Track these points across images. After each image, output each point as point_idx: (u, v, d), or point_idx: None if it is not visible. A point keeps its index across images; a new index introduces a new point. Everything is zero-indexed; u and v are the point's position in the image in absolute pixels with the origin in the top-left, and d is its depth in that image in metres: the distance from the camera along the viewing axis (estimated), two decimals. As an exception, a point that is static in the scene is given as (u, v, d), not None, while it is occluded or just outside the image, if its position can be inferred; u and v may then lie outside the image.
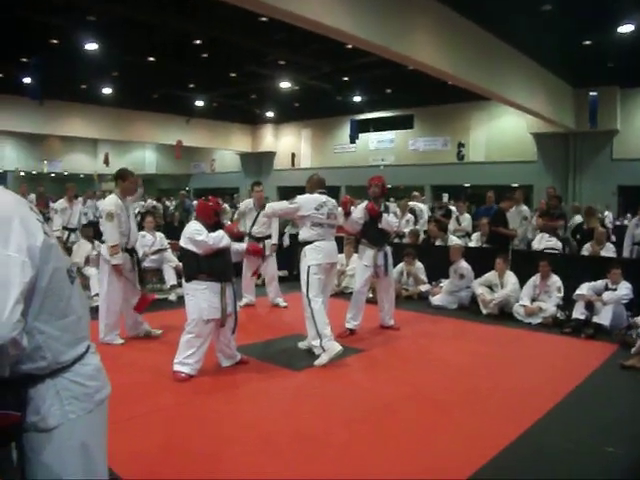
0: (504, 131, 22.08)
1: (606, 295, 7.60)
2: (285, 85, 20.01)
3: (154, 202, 22.18)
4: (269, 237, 9.05)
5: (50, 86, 16.56)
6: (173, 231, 11.25)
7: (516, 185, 19.79)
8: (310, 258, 6.41)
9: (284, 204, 6.86)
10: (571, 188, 20.31)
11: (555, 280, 8.40)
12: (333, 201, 6.74)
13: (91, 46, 14.98)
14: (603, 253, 9.48)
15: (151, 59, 17.24)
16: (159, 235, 9.81)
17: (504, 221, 10.25)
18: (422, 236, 12.16)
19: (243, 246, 6.12)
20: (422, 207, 13.96)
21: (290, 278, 9.93)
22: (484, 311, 8.76)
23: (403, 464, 3.87)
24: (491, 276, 8.96)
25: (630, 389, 5.68)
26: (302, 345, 6.66)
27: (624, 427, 4.67)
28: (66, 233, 10.86)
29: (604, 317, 7.47)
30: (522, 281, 8.71)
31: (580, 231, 11.33)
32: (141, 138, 27.75)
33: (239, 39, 14.47)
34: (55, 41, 15.25)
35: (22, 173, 29.67)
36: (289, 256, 9.42)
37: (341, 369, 6.02)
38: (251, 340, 6.87)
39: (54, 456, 1.97)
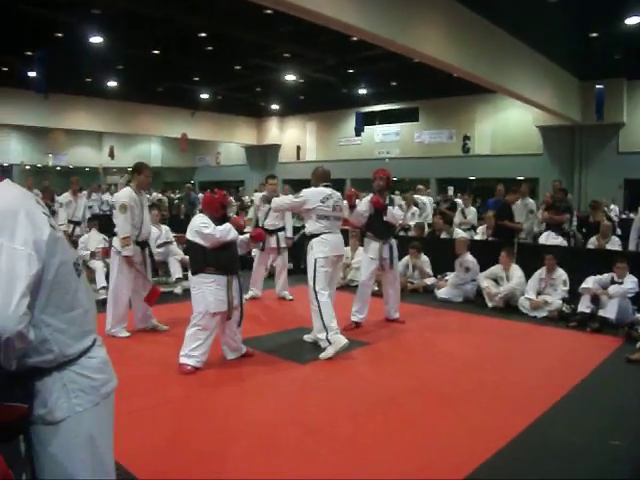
0: (510, 124, 22.02)
1: (612, 289, 7.58)
2: (290, 78, 19.98)
3: (159, 195, 22.21)
4: (282, 229, 9.08)
5: (55, 79, 16.56)
6: (178, 224, 11.28)
7: (522, 178, 19.74)
8: (317, 251, 6.42)
9: (289, 198, 6.92)
10: (577, 181, 20.26)
11: (561, 273, 8.39)
12: (338, 194, 6.76)
13: (96, 39, 14.97)
14: (609, 247, 9.46)
15: (156, 52, 17.23)
16: (164, 228, 9.83)
17: (510, 214, 10.23)
18: (427, 229, 12.15)
19: (246, 236, 6.11)
20: (425, 200, 13.93)
21: (296, 271, 9.93)
22: (489, 304, 8.76)
23: (408, 457, 3.88)
24: (497, 269, 8.95)
25: (636, 383, 5.67)
26: (307, 338, 6.67)
27: (630, 421, 4.67)
28: (71, 226, 10.88)
29: (610, 311, 7.45)
30: (528, 274, 8.70)
31: (586, 224, 11.31)
32: (146, 131, 27.75)
33: (244, 32, 14.45)
34: (60, 34, 15.24)
35: (27, 167, 29.71)
36: (294, 249, 9.41)
37: (347, 362, 6.03)
38: (256, 333, 6.88)
39: (61, 448, 1.98)
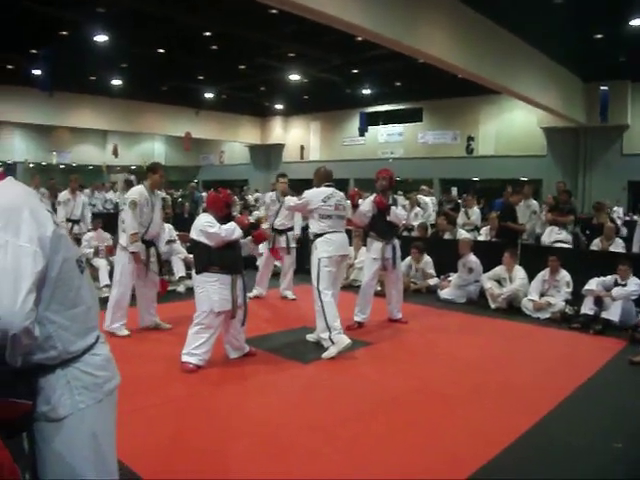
0: (514, 125, 22.00)
1: (615, 291, 7.57)
2: (294, 77, 19.99)
3: (163, 194, 22.20)
4: (291, 229, 9.12)
5: (60, 77, 16.55)
6: (182, 223, 11.27)
7: (525, 179, 19.72)
8: (321, 250, 6.43)
9: (293, 200, 7.05)
10: (581, 183, 20.24)
11: (564, 275, 8.38)
12: (341, 193, 6.79)
13: (101, 38, 15.00)
14: (612, 248, 9.43)
15: (160, 51, 17.25)
16: (168, 226, 9.83)
17: (513, 215, 10.23)
18: (430, 229, 12.15)
19: (249, 238, 6.12)
20: (427, 200, 13.94)
21: (300, 271, 9.95)
22: (492, 305, 8.75)
23: (411, 457, 3.89)
24: (500, 270, 8.95)
25: (638, 385, 5.67)
26: (310, 338, 6.68)
27: (632, 423, 4.67)
28: (69, 224, 10.86)
29: (613, 313, 7.45)
30: (531, 276, 8.69)
31: (589, 226, 11.30)
32: (150, 130, 27.76)
33: (249, 31, 14.46)
34: (65, 33, 15.26)
35: (31, 164, 29.72)
36: (298, 249, 9.41)
37: (349, 362, 6.03)
38: (259, 332, 6.89)
39: (64, 445, 1.99)
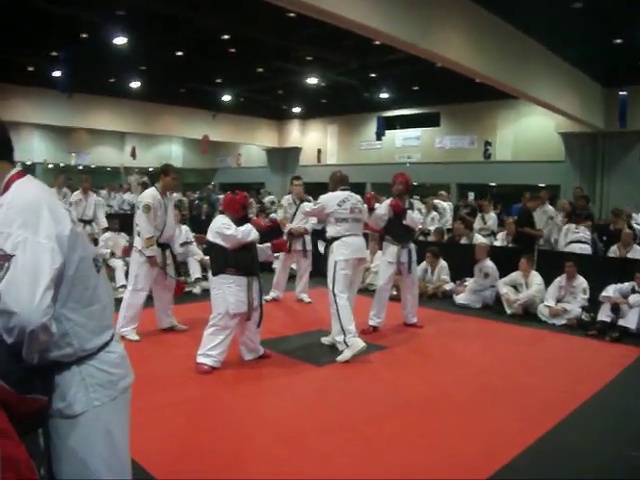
0: (532, 130, 21.84)
1: (632, 298, 7.52)
2: (312, 81, 19.97)
3: (180, 196, 22.31)
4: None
5: (79, 79, 16.70)
6: (199, 225, 11.32)
7: (543, 185, 19.59)
8: (337, 253, 6.44)
9: (310, 206, 7.12)
10: (599, 189, 20.06)
11: (581, 281, 8.33)
12: (357, 196, 6.79)
13: (120, 40, 15.07)
14: (630, 255, 9.36)
15: (179, 54, 17.31)
16: (184, 228, 9.88)
17: (530, 221, 10.17)
18: (447, 234, 12.13)
19: (268, 245, 6.15)
20: (445, 205, 13.92)
21: (316, 274, 9.95)
22: (508, 311, 8.71)
23: (424, 460, 3.88)
24: (516, 276, 8.90)
25: (655, 392, 5.63)
26: (325, 340, 6.68)
27: (649, 431, 4.63)
28: (81, 225, 10.93)
29: (630, 320, 7.40)
30: (547, 281, 8.65)
31: (606, 232, 11.22)
32: (168, 132, 27.84)
33: (267, 35, 14.49)
34: (84, 35, 15.35)
35: (50, 165, 29.91)
36: (314, 252, 9.41)
37: (364, 365, 6.04)
38: (274, 335, 6.90)
39: (79, 442, 2.02)
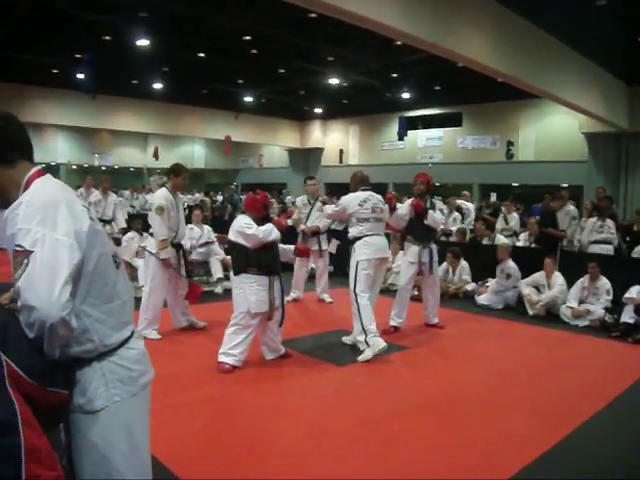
0: (554, 130, 21.68)
1: (657, 299, 7.45)
2: (333, 81, 19.98)
3: (202, 196, 22.46)
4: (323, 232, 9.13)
5: (102, 81, 16.85)
6: (221, 224, 11.37)
7: (565, 185, 19.46)
8: (359, 253, 6.46)
9: (332, 208, 7.11)
10: (623, 189, 19.86)
11: (604, 282, 8.25)
12: (378, 196, 6.80)
13: (142, 42, 15.17)
14: (654, 256, 9.29)
15: (201, 55, 17.41)
16: (207, 228, 9.94)
17: (554, 221, 10.10)
18: (469, 235, 12.09)
19: (291, 247, 6.18)
20: (470, 206, 13.88)
21: (338, 274, 9.95)
22: (530, 312, 8.66)
23: (444, 460, 3.87)
24: (539, 276, 8.85)
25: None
26: (346, 340, 6.69)
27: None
28: (100, 225, 11.01)
29: (654, 322, 7.33)
30: (570, 282, 8.58)
31: (630, 233, 11.12)
32: (190, 133, 28.02)
33: (288, 35, 14.52)
34: (108, 37, 15.50)
35: (74, 166, 30.22)
36: (336, 251, 9.42)
37: (385, 365, 6.03)
38: (295, 334, 6.92)
39: (99, 437, 2.05)
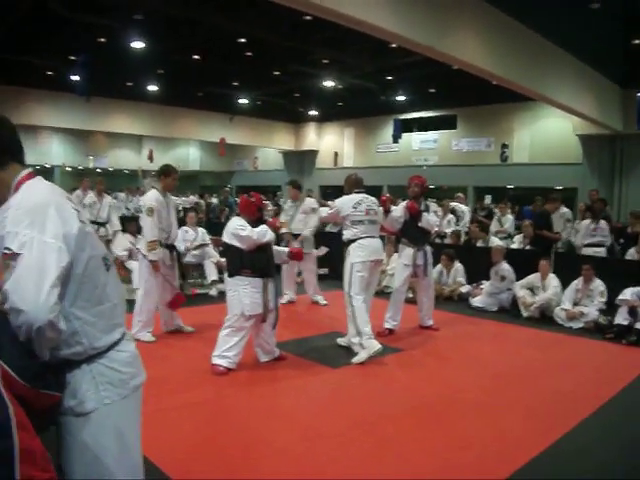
0: (549, 132, 21.71)
1: (650, 301, 7.46)
2: (328, 84, 19.99)
3: (197, 198, 22.45)
4: None
5: (97, 83, 16.86)
6: (215, 227, 11.36)
7: (560, 187, 19.48)
8: (354, 256, 6.46)
9: (326, 210, 7.12)
10: (617, 191, 19.90)
11: (598, 284, 8.27)
12: (372, 198, 6.80)
13: (137, 44, 15.18)
14: (648, 258, 9.30)
15: (196, 57, 17.41)
16: (201, 230, 9.94)
17: (548, 223, 10.11)
18: (463, 237, 12.10)
19: (285, 250, 6.19)
20: (464, 208, 13.89)
21: (332, 276, 9.95)
22: (525, 314, 8.67)
23: (439, 462, 3.87)
24: (533, 278, 8.86)
25: (674, 396, 5.58)
26: (341, 342, 6.70)
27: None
28: (95, 227, 11.00)
29: (648, 323, 7.34)
30: (564, 284, 8.60)
31: (623, 235, 11.14)
32: (185, 135, 28.00)
33: (283, 38, 14.52)
34: (102, 39, 15.49)
35: (68, 168, 30.17)
36: (330, 254, 9.43)
37: (379, 367, 6.03)
38: (290, 337, 6.93)
39: (91, 439, 2.06)
